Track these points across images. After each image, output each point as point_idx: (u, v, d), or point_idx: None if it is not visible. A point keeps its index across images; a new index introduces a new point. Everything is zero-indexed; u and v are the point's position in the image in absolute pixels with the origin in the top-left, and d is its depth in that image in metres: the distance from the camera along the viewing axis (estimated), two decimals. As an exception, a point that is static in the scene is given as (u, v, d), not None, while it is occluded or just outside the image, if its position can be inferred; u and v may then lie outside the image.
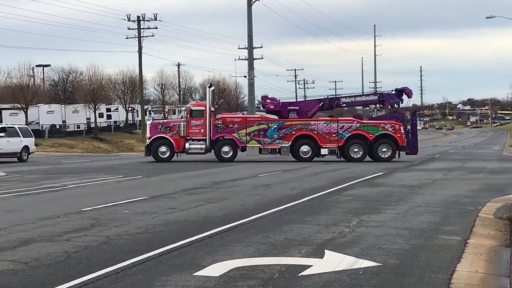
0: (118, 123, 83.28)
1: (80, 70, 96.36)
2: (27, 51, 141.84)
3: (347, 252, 10.45)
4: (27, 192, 21.32)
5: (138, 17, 78.23)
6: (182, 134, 40.78)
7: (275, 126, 40.77)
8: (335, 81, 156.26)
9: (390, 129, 40.98)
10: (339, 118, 43.77)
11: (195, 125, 40.82)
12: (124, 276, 8.90)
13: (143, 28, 78.56)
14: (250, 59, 70.77)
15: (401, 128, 40.91)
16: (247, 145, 40.83)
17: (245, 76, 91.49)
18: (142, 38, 78.61)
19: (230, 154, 40.80)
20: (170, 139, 40.78)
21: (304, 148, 40.69)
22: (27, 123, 65.82)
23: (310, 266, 9.43)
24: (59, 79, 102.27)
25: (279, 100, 45.04)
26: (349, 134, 40.58)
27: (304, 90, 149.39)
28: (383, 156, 40.42)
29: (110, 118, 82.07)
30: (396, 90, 45.31)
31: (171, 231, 12.69)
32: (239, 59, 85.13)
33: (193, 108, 42.23)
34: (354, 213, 15.47)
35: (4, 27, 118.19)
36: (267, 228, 13.01)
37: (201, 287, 8.28)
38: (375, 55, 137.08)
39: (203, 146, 40.76)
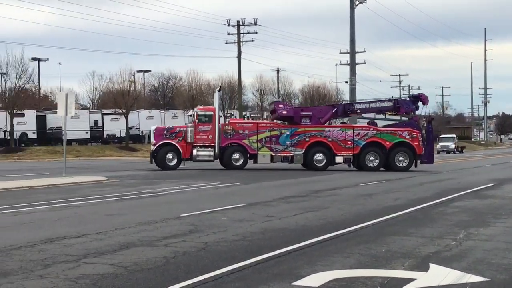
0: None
1: (180, 75, 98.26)
2: (128, 56, 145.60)
3: (453, 266, 10.21)
4: (127, 197, 21.90)
5: (238, 22, 79.06)
6: (189, 140, 39.04)
7: (288, 133, 39.61)
8: (442, 87, 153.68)
9: (407, 137, 40.31)
10: (355, 125, 43.77)
11: (202, 130, 39.11)
12: (222, 283, 9.00)
13: (243, 33, 79.30)
14: (352, 64, 70.32)
15: (419, 136, 40.39)
16: (258, 152, 39.46)
17: (346, 82, 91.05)
18: (241, 43, 79.33)
19: (241, 162, 39.35)
20: (177, 145, 39.06)
21: (319, 156, 39.85)
22: (127, 129, 67.72)
23: (413, 279, 9.27)
24: (159, 84, 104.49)
25: (292, 105, 44.82)
26: (365, 142, 39.92)
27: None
28: (400, 165, 39.81)
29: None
30: (412, 96, 45.66)
31: (269, 239, 12.75)
32: (340, 64, 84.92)
33: (201, 113, 40.12)
34: (462, 225, 15.09)
35: (107, 33, 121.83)
36: (368, 239, 12.88)
37: (299, 297, 8.29)
38: (485, 60, 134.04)
39: (211, 153, 39.17)
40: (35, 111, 67.59)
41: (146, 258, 10.59)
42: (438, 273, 9.75)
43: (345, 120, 50.04)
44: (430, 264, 10.32)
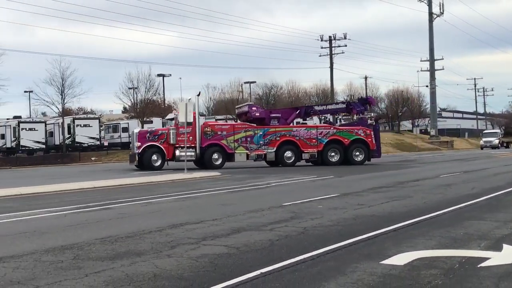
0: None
1: (280, 85, 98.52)
2: (237, 70, 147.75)
3: (525, 247, 9.90)
4: (238, 189, 22.22)
5: (330, 37, 78.98)
6: (172, 142, 36.90)
7: (261, 133, 38.06)
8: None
9: (362, 135, 39.61)
10: (318, 125, 42.01)
11: (183, 132, 35.36)
12: (319, 262, 9.04)
13: (334, 47, 79.16)
14: (432, 70, 69.05)
15: (371, 133, 39.80)
16: (235, 151, 37.70)
17: (427, 86, 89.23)
18: (333, 55, 79.14)
19: (220, 161, 37.47)
20: (162, 147, 37.00)
21: (288, 153, 38.37)
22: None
23: (488, 258, 9.04)
24: (263, 93, 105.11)
25: (263, 108, 43.58)
26: (327, 140, 38.94)
27: (484, 98, 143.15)
28: (356, 159, 38.83)
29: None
30: (362, 99, 44.79)
31: (359, 224, 12.67)
32: (421, 70, 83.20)
33: None
34: (532, 211, 14.57)
35: (220, 51, 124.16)
36: (448, 224, 12.61)
37: (387, 274, 8.22)
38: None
39: (193, 153, 37.00)
40: (161, 118, 69.45)
41: (254, 241, 10.74)
42: (511, 252, 9.48)
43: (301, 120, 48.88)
44: (504, 245, 10.02)
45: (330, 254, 9.57)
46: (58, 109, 66.85)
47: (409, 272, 8.30)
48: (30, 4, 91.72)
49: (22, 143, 59.08)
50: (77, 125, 64.53)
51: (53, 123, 65.79)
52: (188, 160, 35.75)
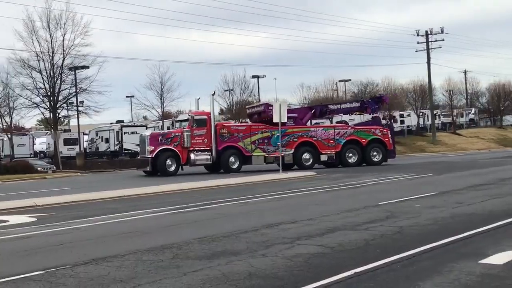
0: (410, 127, 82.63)
1: (376, 82, 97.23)
2: (331, 69, 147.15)
3: None
4: (333, 189, 22.17)
5: (426, 31, 77.28)
6: (186, 145, 34.12)
7: (278, 134, 35.06)
8: None
9: (379, 134, 37.70)
10: (336, 125, 40.08)
11: (198, 135, 34.30)
12: (415, 262, 8.94)
13: (431, 41, 77.33)
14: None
15: (389, 133, 38.07)
16: (253, 154, 35.51)
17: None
18: (430, 50, 77.39)
19: (237, 164, 35.14)
20: (176, 150, 34.22)
21: (306, 155, 36.23)
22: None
23: None
24: (358, 91, 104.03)
25: None
26: (345, 140, 36.92)
27: None
28: (375, 159, 37.10)
29: (403, 123, 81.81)
30: (375, 97, 42.57)
31: (457, 223, 12.39)
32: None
33: (197, 117, 35.14)
34: None
35: (313, 50, 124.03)
36: (551, 222, 12.13)
37: (485, 273, 8.02)
38: None
39: (208, 157, 34.55)
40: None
41: (349, 240, 10.73)
42: None
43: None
44: None
45: (426, 254, 9.43)
46: (158, 112, 68.90)
47: (509, 272, 8.08)
48: (130, 12, 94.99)
49: (125, 146, 61.15)
50: (176, 127, 66.28)
51: (153, 126, 67.73)
52: (204, 164, 34.92)
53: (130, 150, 60.95)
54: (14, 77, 57.30)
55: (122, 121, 70.55)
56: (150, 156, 33.61)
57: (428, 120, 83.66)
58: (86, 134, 65.59)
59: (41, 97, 57.57)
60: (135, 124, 70.48)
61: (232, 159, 34.72)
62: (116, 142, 62.17)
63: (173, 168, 33.84)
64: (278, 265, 8.94)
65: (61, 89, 58.89)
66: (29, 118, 79.45)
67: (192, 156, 33.90)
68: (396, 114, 78.49)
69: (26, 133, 71.05)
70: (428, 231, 11.59)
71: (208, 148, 34.24)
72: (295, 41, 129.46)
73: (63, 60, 58.13)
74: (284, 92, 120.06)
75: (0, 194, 25.18)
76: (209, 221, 14.48)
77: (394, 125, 76.41)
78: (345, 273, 8.24)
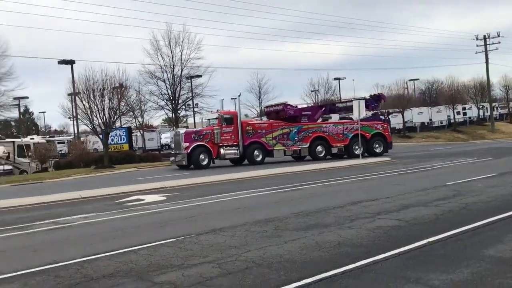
0: (471, 118, 79.38)
1: (441, 80, 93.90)
2: (401, 70, 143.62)
3: None
4: (405, 172, 21.69)
5: (484, 36, 74.08)
6: (216, 141, 32.06)
7: (295, 130, 33.51)
8: None
9: (380, 129, 35.18)
10: (344, 121, 36.44)
11: (226, 132, 32.19)
12: (479, 233, 8.70)
13: (489, 44, 74.12)
14: None
15: (388, 127, 35.92)
16: (274, 148, 33.13)
17: None
18: (488, 52, 74.25)
19: (260, 157, 32.77)
20: (208, 146, 32.00)
21: (319, 148, 33.74)
22: (403, 122, 66.80)
23: None
24: (425, 88, 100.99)
25: (295, 106, 36.65)
26: (352, 134, 34.11)
27: None
28: (376, 151, 34.49)
29: (465, 115, 78.72)
30: (374, 95, 38.49)
31: (517, 200, 11.90)
32: None
33: (226, 116, 32.98)
34: None
35: (386, 55, 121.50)
36: None
37: (542, 244, 7.70)
38: None
39: (236, 151, 32.44)
40: (338, 114, 69.81)
41: (422, 215, 10.53)
42: None
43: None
44: None
45: (489, 226, 9.15)
46: (256, 111, 69.57)
47: None
48: (233, 30, 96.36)
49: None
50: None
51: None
52: (232, 158, 33.15)
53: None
54: (144, 86, 59.36)
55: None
56: (186, 152, 31.71)
57: (487, 112, 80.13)
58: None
59: (165, 101, 59.32)
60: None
61: (256, 152, 32.77)
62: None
63: (206, 161, 31.92)
64: (362, 235, 8.91)
65: (180, 94, 60.52)
66: (156, 117, 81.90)
67: (222, 151, 32.14)
68: (459, 107, 75.53)
69: (154, 129, 73.41)
70: (490, 206, 11.20)
71: (236, 143, 32.46)
72: (370, 47, 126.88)
73: (181, 71, 59.77)
74: (361, 91, 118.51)
75: (137, 178, 26.23)
76: (302, 199, 14.55)
77: (457, 117, 73.76)
78: (419, 242, 8.13)
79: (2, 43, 48.79)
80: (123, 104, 49.48)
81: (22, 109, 68.08)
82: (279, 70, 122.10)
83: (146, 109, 61.55)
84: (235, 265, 7.38)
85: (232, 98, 33.27)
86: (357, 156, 32.61)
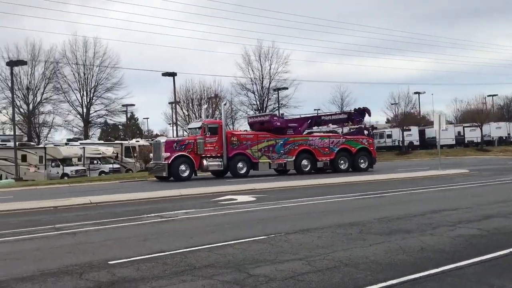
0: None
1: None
2: (480, 86, 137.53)
3: None
4: (486, 183, 20.74)
5: None
6: (199, 152, 28.25)
7: (281, 142, 30.25)
8: None
9: (366, 144, 32.17)
10: (330, 134, 33.13)
11: (209, 142, 28.53)
12: None
13: None
14: None
15: (373, 142, 33.09)
16: (259, 160, 29.68)
17: None
18: None
19: (244, 170, 29.20)
20: (190, 156, 28.12)
21: (305, 162, 30.49)
22: (482, 136, 63.89)
23: None
24: (504, 104, 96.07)
25: (282, 118, 33.31)
26: (338, 148, 31.19)
27: None
28: (361, 166, 31.51)
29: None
30: (359, 109, 34.39)
31: None
32: None
33: (210, 125, 29.23)
34: None
35: (465, 71, 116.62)
36: None
37: None
38: None
39: (220, 163, 28.78)
40: (417, 127, 67.60)
41: (503, 225, 10.09)
42: None
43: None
44: None
45: None
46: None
47: None
48: (318, 46, 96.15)
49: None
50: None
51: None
52: (214, 170, 29.53)
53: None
54: (235, 96, 60.79)
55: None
56: (167, 162, 27.68)
57: None
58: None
59: (253, 111, 60.28)
60: (321, 130, 71.09)
61: (240, 164, 29.19)
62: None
63: (187, 173, 27.90)
64: (444, 242, 8.67)
65: (267, 105, 61.48)
66: (245, 125, 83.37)
67: (205, 162, 28.44)
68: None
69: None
70: None
71: (220, 154, 28.83)
72: (450, 64, 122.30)
73: (269, 83, 60.89)
74: (440, 105, 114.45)
75: (229, 180, 26.76)
76: (384, 206, 14.30)
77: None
78: (502, 251, 7.81)
79: (114, 57, 51.30)
80: (217, 113, 50.77)
81: (129, 115, 71.28)
82: (360, 83, 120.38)
83: (236, 117, 62.91)
84: (323, 263, 7.42)
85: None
86: (343, 171, 30.45)
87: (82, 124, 57.58)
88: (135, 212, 14.17)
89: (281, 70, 60.22)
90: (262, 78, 60.71)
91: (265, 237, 9.53)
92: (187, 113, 55.56)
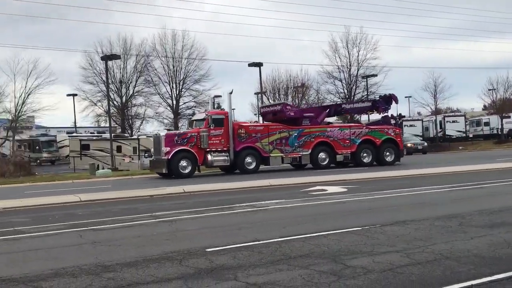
0: None
1: None
2: None
3: None
4: None
5: None
6: (203, 146, 26.03)
7: (296, 134, 27.77)
8: None
9: (392, 134, 29.53)
10: (351, 125, 30.22)
11: (214, 135, 26.35)
12: None
13: None
14: None
15: (400, 132, 30.81)
16: (271, 154, 27.34)
17: None
18: None
19: (254, 165, 26.96)
20: (193, 151, 26.00)
21: (322, 155, 28.09)
22: None
23: None
24: None
25: (297, 107, 29.99)
26: (360, 140, 28.83)
27: None
28: (387, 159, 29.06)
29: None
30: (384, 96, 31.25)
31: None
32: None
33: (214, 117, 26.83)
34: None
35: None
36: None
37: None
38: None
39: (226, 158, 26.52)
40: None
41: None
42: None
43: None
44: None
45: None
46: (431, 109, 66.54)
47: None
48: (409, 30, 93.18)
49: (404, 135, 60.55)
50: (447, 121, 63.62)
51: (428, 120, 65.73)
52: (219, 166, 27.55)
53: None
54: (322, 85, 60.35)
55: (404, 116, 69.70)
56: (166, 158, 25.75)
57: None
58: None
59: (340, 99, 59.53)
60: (412, 118, 69.00)
61: (249, 159, 27.11)
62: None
63: (188, 169, 25.95)
64: (555, 237, 8.18)
65: (355, 93, 60.50)
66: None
67: (209, 157, 26.37)
68: None
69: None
70: None
71: (226, 148, 26.75)
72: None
73: (357, 71, 59.80)
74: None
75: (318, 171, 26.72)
76: (482, 198, 13.70)
77: None
78: None
79: (202, 49, 52.52)
80: (304, 102, 50.74)
81: (215, 106, 72.86)
82: (454, 69, 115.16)
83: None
84: (422, 256, 7.27)
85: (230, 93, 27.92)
86: (366, 165, 28.07)
87: (172, 115, 59.60)
88: (227, 202, 14.58)
89: (369, 57, 58.93)
90: (350, 65, 59.74)
91: (359, 228, 9.48)
92: (273, 103, 56.00)
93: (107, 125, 47.86)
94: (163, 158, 25.99)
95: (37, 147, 52.59)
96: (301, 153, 28.00)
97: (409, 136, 54.66)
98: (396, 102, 32.42)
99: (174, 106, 59.65)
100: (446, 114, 69.14)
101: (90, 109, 58.26)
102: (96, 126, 63.18)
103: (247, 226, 10.34)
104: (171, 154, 25.67)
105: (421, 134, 61.09)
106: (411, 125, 61.15)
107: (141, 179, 26.94)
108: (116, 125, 58.81)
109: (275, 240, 8.71)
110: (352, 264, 6.98)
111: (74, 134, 53.57)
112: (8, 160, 36.34)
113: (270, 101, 56.38)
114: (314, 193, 16.14)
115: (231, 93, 28.43)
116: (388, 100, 32.12)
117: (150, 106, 60.36)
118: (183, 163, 25.87)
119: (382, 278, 6.29)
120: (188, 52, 58.09)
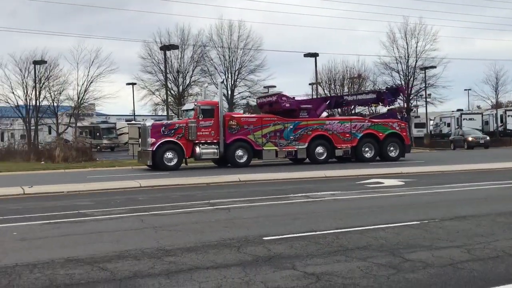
0: None
1: None
2: None
3: None
4: None
5: None
6: (191, 138, 24.71)
7: (291, 127, 26.33)
8: None
9: (397, 128, 27.80)
10: (352, 117, 27.66)
11: (204, 126, 24.98)
12: None
13: None
14: None
15: (406, 127, 28.91)
16: (263, 148, 25.74)
17: None
18: None
19: (245, 158, 25.50)
20: (180, 143, 24.70)
21: (320, 149, 26.60)
22: None
23: None
24: None
25: (293, 98, 27.11)
26: (362, 134, 27.15)
27: None
28: (391, 155, 27.49)
29: None
30: (391, 88, 30.46)
31: None
32: None
33: (203, 107, 25.34)
34: None
35: None
36: None
37: None
38: None
39: (215, 150, 25.10)
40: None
41: None
42: None
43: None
44: None
45: None
46: (491, 102, 64.36)
47: None
48: (470, 21, 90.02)
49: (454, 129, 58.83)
50: (508, 115, 61.14)
51: (488, 114, 63.48)
52: (208, 159, 26.21)
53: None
54: (379, 76, 59.36)
55: (461, 110, 67.59)
56: (151, 149, 24.59)
57: None
58: (431, 120, 64.81)
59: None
60: (472, 112, 66.87)
61: (239, 152, 25.77)
62: (456, 127, 59.93)
63: (174, 162, 24.78)
64: None
65: (413, 85, 59.20)
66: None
67: (198, 149, 25.11)
68: None
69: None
70: None
71: (216, 141, 25.44)
72: None
73: (416, 62, 58.41)
74: None
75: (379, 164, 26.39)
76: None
77: None
78: None
79: (257, 39, 52.69)
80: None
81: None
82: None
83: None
84: (484, 252, 7.09)
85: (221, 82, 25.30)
86: (368, 161, 26.69)
87: (227, 105, 60.20)
88: (282, 192, 14.65)
89: (428, 48, 57.42)
90: (408, 56, 58.37)
91: (418, 222, 9.33)
92: (329, 94, 55.50)
93: (165, 113, 48.82)
94: (148, 149, 24.96)
95: (97, 134, 54.37)
96: (296, 146, 26.65)
97: (469, 130, 53.00)
98: (404, 94, 31.81)
99: (229, 96, 60.15)
100: (508, 108, 66.51)
101: (148, 97, 59.56)
102: (154, 114, 64.57)
103: (303, 217, 10.36)
104: (155, 146, 24.66)
105: (480, 128, 59.09)
106: (470, 119, 59.31)
107: (195, 167, 27.37)
108: (173, 114, 59.96)
109: (332, 231, 8.70)
110: (411, 257, 6.89)
111: (133, 122, 55.04)
112: (71, 145, 37.77)
113: (326, 91, 55.90)
114: (370, 185, 15.96)
115: (222, 82, 28.16)
116: (395, 92, 31.08)
117: (206, 95, 61.13)
118: (169, 155, 24.82)
119: (442, 273, 6.19)
120: (244, 43, 58.28)
